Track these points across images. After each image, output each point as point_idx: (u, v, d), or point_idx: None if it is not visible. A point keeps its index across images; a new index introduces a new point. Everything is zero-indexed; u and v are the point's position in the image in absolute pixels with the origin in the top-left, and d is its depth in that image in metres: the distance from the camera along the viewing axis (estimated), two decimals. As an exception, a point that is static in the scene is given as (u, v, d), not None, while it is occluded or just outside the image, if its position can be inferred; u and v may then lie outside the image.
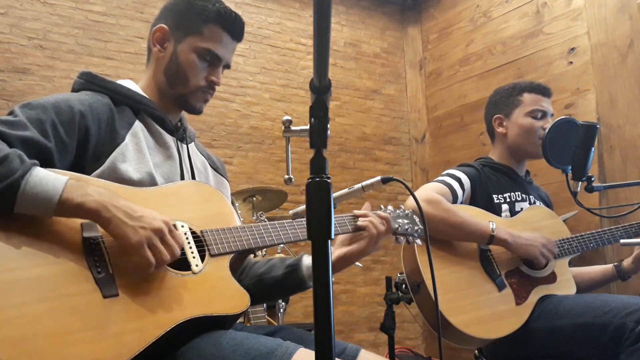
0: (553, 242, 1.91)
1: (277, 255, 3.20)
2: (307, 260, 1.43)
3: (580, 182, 1.63)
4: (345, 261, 1.41)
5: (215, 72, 1.39)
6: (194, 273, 1.18)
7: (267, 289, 1.42)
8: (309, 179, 0.75)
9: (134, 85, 1.41)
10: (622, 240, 1.91)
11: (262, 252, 2.97)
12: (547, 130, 1.73)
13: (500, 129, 2.12)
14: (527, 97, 2.07)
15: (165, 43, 1.39)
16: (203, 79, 1.38)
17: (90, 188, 1.09)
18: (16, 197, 1.02)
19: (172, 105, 1.42)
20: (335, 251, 1.41)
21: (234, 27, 1.39)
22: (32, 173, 1.04)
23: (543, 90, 2.09)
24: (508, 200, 2.02)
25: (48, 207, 1.04)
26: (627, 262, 2.03)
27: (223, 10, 1.37)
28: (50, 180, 1.05)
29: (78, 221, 1.10)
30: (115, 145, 1.25)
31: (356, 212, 1.42)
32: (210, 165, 1.54)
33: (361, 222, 1.39)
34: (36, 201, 1.03)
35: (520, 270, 1.89)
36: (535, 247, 1.85)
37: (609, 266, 2.08)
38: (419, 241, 1.55)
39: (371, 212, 1.43)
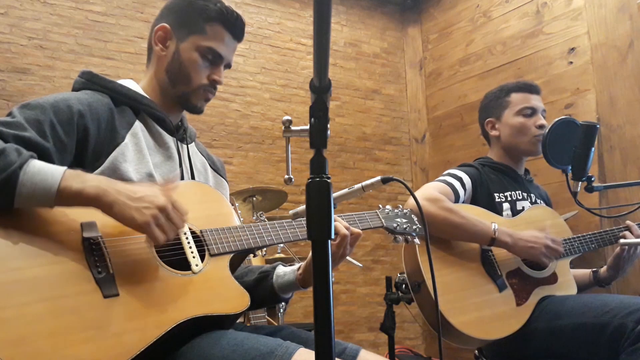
0: (559, 241, 1.89)
1: (277, 255, 3.20)
2: (279, 270, 1.42)
3: (580, 182, 1.63)
4: (308, 267, 1.39)
5: (217, 70, 1.40)
6: (193, 273, 1.18)
7: None
8: (309, 179, 0.75)
9: (135, 85, 1.41)
10: (622, 240, 1.91)
11: (262, 252, 2.97)
12: (547, 130, 1.72)
13: (493, 132, 2.13)
14: (514, 97, 2.09)
15: (167, 42, 1.39)
16: (205, 78, 1.38)
17: (89, 176, 1.10)
18: (15, 189, 1.02)
19: (173, 105, 1.42)
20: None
21: (236, 26, 1.40)
22: (29, 164, 1.04)
23: (530, 88, 2.10)
24: (509, 199, 2.02)
25: (48, 196, 1.04)
26: (603, 270, 2.02)
27: (225, 9, 1.38)
28: (48, 169, 1.06)
29: (78, 221, 1.11)
30: (115, 145, 1.25)
31: None
32: (210, 166, 1.54)
33: None
34: (35, 191, 1.03)
35: (521, 270, 1.89)
36: (537, 249, 1.84)
37: (587, 271, 2.07)
38: (417, 240, 1.55)
39: (340, 216, 1.40)
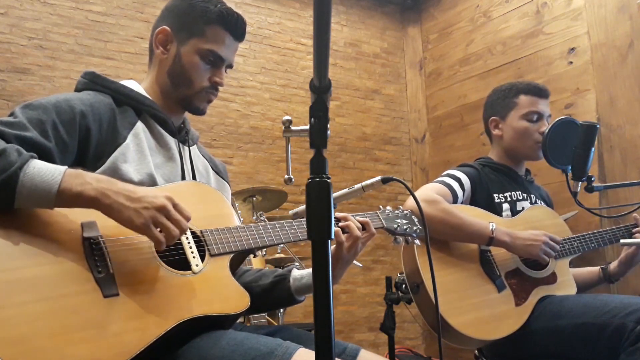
0: (558, 239, 1.89)
1: (277, 255, 3.20)
2: (295, 273, 1.43)
3: (580, 182, 1.63)
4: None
5: (218, 72, 1.40)
6: (194, 273, 1.18)
7: (255, 297, 1.36)
8: (309, 179, 0.75)
9: (137, 85, 1.41)
10: (622, 240, 1.91)
11: (262, 252, 2.97)
12: (547, 130, 1.72)
13: (496, 131, 2.11)
14: (523, 99, 2.05)
15: (168, 45, 1.39)
16: (207, 80, 1.38)
17: (89, 176, 1.09)
18: (15, 189, 1.02)
19: (175, 107, 1.42)
20: None
21: (236, 27, 1.40)
22: (29, 165, 1.04)
23: (539, 92, 2.06)
24: (509, 199, 2.02)
25: (48, 198, 1.04)
26: (613, 265, 2.02)
27: (225, 11, 1.37)
28: (48, 170, 1.05)
29: (78, 221, 1.11)
30: (117, 146, 1.25)
31: (337, 214, 1.37)
32: (212, 168, 1.54)
33: (341, 225, 1.36)
34: (35, 192, 1.03)
35: (520, 270, 1.89)
36: (535, 247, 1.84)
37: (596, 268, 2.08)
38: (417, 241, 1.55)
39: (353, 215, 1.39)
